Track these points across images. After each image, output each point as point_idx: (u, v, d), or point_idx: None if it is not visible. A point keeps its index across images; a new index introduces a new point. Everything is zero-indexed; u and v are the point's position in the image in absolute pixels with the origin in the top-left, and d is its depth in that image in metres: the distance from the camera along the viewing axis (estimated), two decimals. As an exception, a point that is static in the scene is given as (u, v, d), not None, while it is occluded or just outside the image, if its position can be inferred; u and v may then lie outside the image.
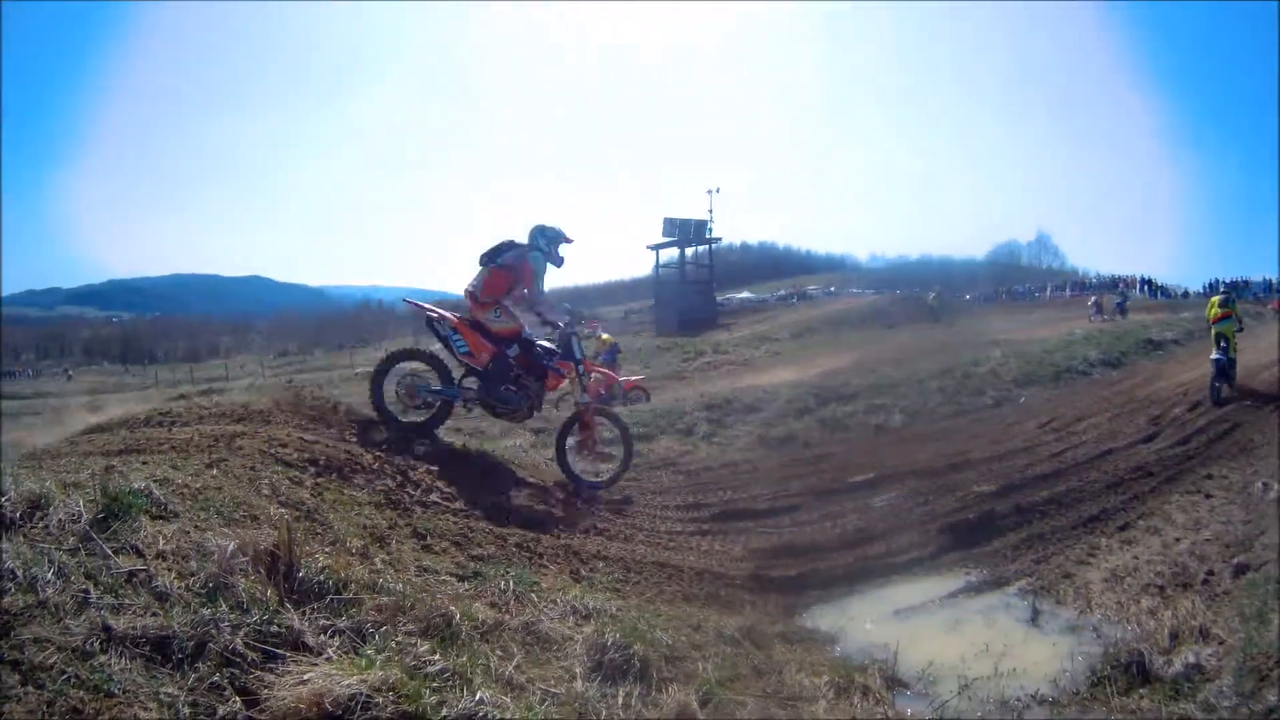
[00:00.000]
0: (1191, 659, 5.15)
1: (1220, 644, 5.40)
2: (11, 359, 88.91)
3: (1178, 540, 7.72)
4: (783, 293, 69.78)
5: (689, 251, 59.49)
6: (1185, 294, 53.69)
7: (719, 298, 60.63)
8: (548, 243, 8.85)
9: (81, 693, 2.94)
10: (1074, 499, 9.00)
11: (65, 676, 2.98)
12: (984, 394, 15.34)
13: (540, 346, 8.66)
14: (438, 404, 8.33)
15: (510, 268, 8.59)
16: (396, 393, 8.23)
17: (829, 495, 9.24)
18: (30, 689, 2.91)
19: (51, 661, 3.01)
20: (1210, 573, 6.84)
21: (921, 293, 51.39)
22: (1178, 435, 11.92)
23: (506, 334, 8.54)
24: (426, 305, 8.94)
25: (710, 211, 59.32)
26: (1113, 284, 58.53)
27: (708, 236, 58.00)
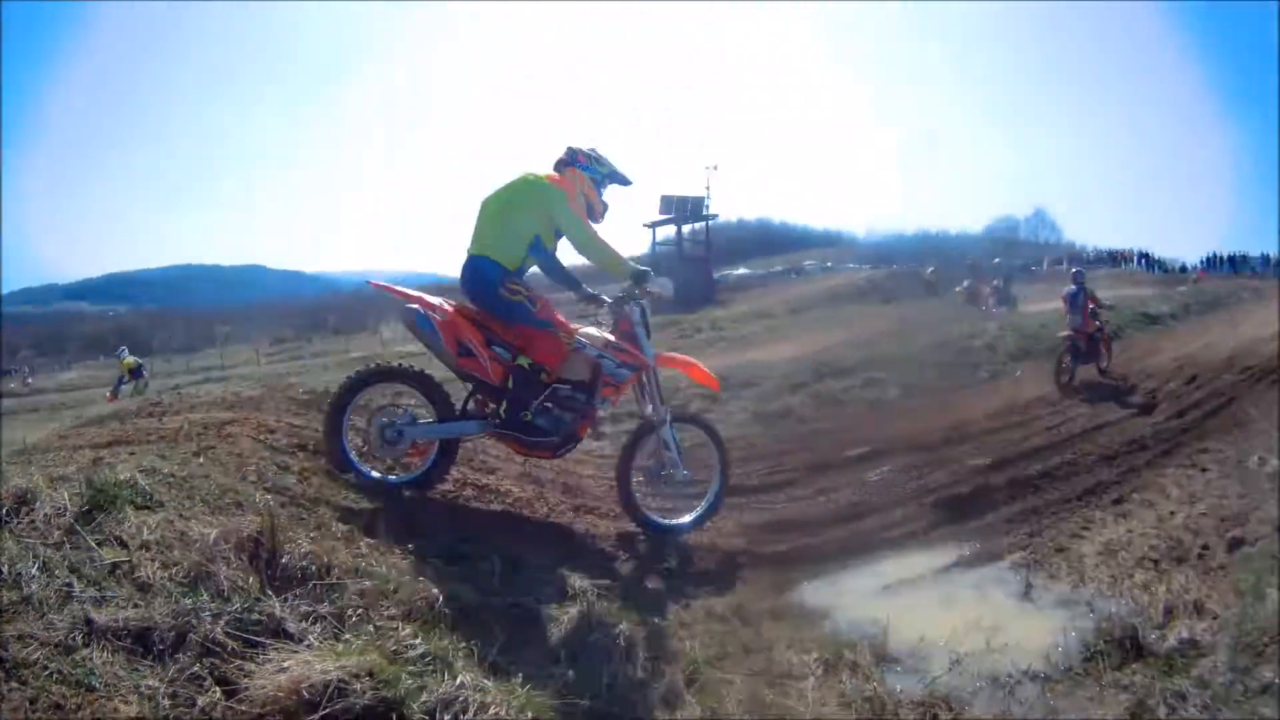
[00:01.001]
0: (1185, 634, 5.10)
1: (1214, 619, 5.36)
2: (9, 358, 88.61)
3: (1172, 514, 7.64)
4: (779, 268, 70.03)
5: (686, 229, 59.39)
6: (1183, 268, 53.77)
7: (716, 274, 60.57)
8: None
9: (63, 688, 2.94)
10: (1068, 472, 9.01)
11: (48, 672, 2.98)
12: (980, 368, 15.51)
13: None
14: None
15: None
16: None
17: (823, 470, 9.20)
18: (14, 685, 2.91)
19: (35, 657, 3.01)
20: (1205, 547, 6.76)
21: (919, 268, 51.35)
22: (1173, 409, 12.06)
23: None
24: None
25: (708, 188, 58.95)
26: (1111, 258, 58.49)
27: (705, 214, 57.89)
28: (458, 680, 3.29)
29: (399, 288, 6.09)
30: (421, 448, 5.93)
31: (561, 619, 4.35)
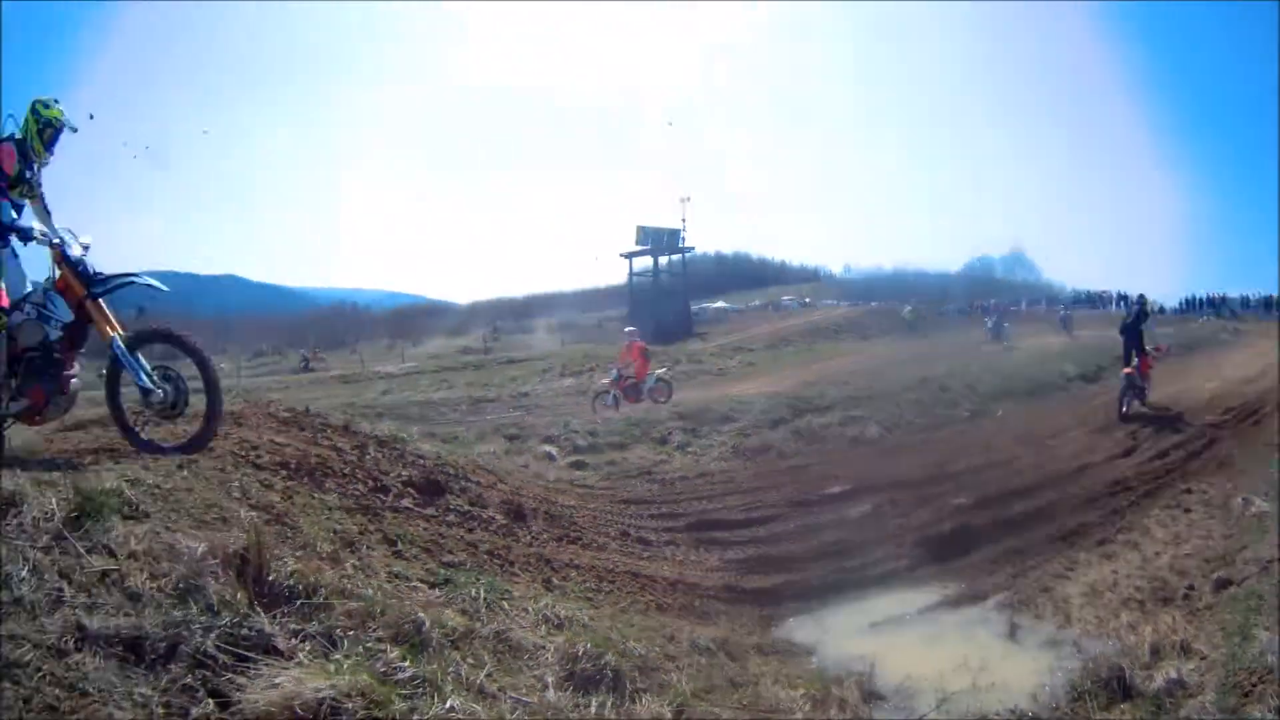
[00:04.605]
0: (1173, 674, 5.10)
1: (1202, 659, 5.38)
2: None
3: (1157, 555, 7.69)
4: (757, 303, 69.45)
5: (663, 261, 59.16)
6: (1161, 309, 53.80)
7: (693, 307, 60.29)
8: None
9: (57, 690, 2.92)
10: (1051, 513, 8.95)
11: (41, 674, 2.96)
12: (959, 407, 15.35)
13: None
14: None
15: None
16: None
17: (805, 506, 9.14)
18: (7, 684, 2.90)
19: (28, 658, 2.99)
20: (1191, 587, 6.81)
21: (897, 305, 51.25)
22: (1155, 449, 11.98)
23: None
24: None
25: (683, 220, 58.49)
26: (1089, 299, 58.64)
27: (680, 245, 57.66)
28: (448, 704, 3.28)
29: None
30: None
31: (548, 647, 4.30)
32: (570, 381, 23.52)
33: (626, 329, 23.23)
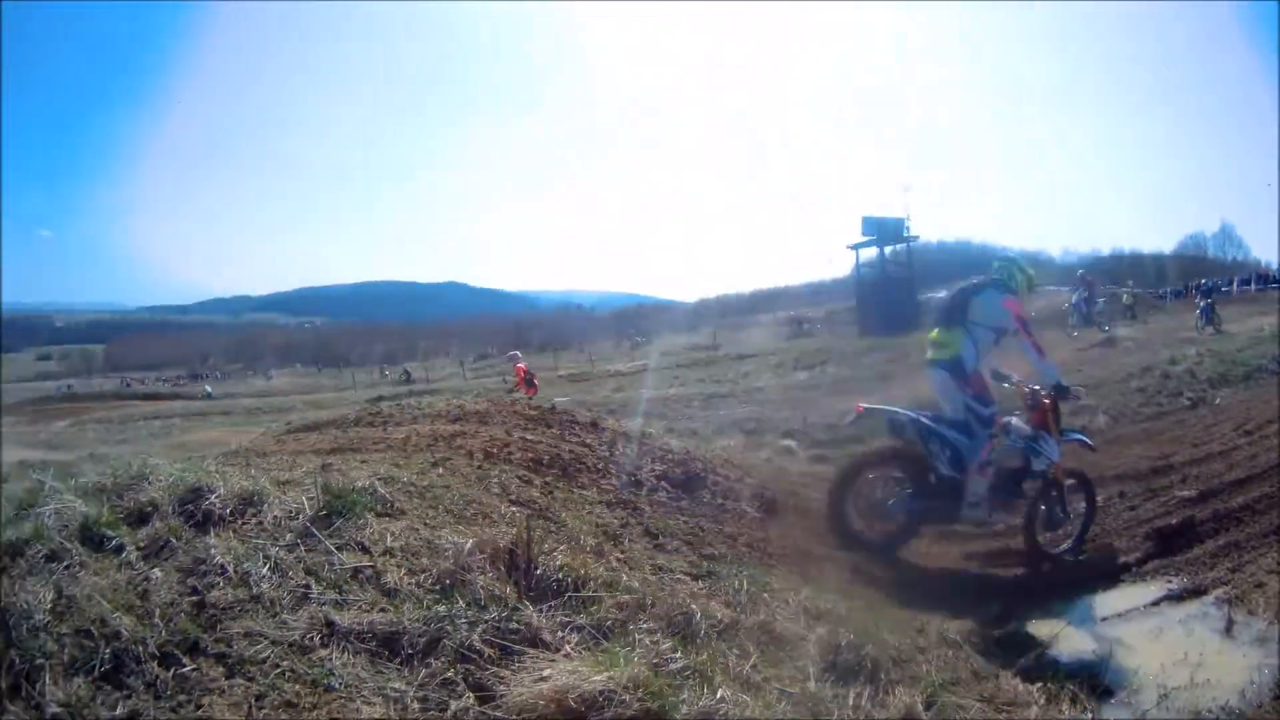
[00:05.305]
0: None
1: None
2: (199, 363, 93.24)
3: None
4: None
5: (888, 250, 58.29)
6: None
7: (920, 296, 59.43)
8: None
9: (297, 686, 2.97)
10: (1267, 505, 8.39)
11: (279, 670, 3.02)
12: (1181, 395, 14.77)
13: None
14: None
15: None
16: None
17: None
18: (238, 681, 2.96)
19: (264, 655, 3.06)
20: None
21: (1116, 289, 49.29)
22: (1373, 441, 11.27)
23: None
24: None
25: (907, 209, 57.54)
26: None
27: (905, 235, 56.75)
28: (718, 694, 3.27)
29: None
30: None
31: (809, 638, 4.31)
32: (804, 375, 23.35)
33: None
